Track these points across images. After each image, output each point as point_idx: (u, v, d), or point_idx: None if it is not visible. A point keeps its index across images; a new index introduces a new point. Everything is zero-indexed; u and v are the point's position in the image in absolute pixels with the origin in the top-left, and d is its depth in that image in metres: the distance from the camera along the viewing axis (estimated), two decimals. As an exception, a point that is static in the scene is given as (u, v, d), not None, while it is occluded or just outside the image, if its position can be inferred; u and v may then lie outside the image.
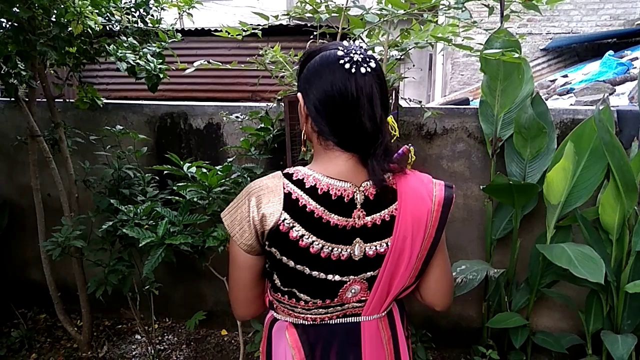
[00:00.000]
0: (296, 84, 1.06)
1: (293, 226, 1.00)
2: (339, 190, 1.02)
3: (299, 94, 1.06)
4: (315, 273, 1.05)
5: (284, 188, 1.01)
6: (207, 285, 3.16)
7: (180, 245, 2.24)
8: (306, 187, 1.01)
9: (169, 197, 2.62)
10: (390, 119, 1.08)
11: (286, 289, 1.10)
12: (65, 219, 2.63)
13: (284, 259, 1.04)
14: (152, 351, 2.92)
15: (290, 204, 1.00)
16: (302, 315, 1.14)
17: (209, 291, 3.19)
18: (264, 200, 1.01)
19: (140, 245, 2.17)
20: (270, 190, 1.02)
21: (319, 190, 1.01)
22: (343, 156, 1.03)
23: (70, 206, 2.77)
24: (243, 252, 1.05)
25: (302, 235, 1.01)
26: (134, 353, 2.98)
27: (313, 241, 1.02)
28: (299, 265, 1.04)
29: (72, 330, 2.91)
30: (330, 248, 1.03)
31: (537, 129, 2.33)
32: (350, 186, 1.03)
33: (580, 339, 2.62)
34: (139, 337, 3.13)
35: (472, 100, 5.68)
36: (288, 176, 1.03)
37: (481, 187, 2.44)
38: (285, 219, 1.00)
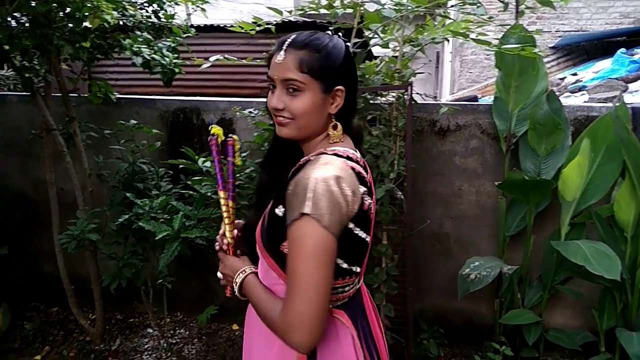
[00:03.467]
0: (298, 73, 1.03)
1: (364, 195, 1.06)
2: (360, 160, 1.13)
3: (341, 87, 1.08)
4: (368, 238, 1.12)
5: (348, 166, 1.05)
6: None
7: (196, 239, 2.26)
8: (353, 159, 1.09)
9: (183, 191, 2.64)
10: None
11: (348, 268, 1.11)
12: (80, 212, 2.65)
13: (358, 231, 1.06)
14: (165, 345, 2.94)
15: (358, 178, 1.06)
16: (347, 293, 1.16)
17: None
18: (346, 182, 1.00)
19: (156, 238, 2.18)
20: (343, 170, 1.03)
21: (359, 161, 1.11)
22: (346, 137, 1.16)
23: (84, 200, 2.79)
24: (335, 242, 0.98)
25: (369, 202, 1.09)
26: (146, 346, 3.00)
27: (370, 202, 1.09)
28: (365, 234, 1.09)
29: (85, 323, 2.93)
30: (371, 205, 1.11)
31: (552, 125, 2.33)
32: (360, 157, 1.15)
33: (593, 336, 2.62)
34: (151, 330, 3.15)
35: (480, 98, 5.66)
36: (340, 156, 1.08)
37: (496, 183, 2.43)
38: (364, 192, 1.06)
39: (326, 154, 1.08)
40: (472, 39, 2.01)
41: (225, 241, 1.23)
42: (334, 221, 0.97)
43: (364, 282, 1.29)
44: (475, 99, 5.49)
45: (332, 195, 0.97)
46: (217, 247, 1.25)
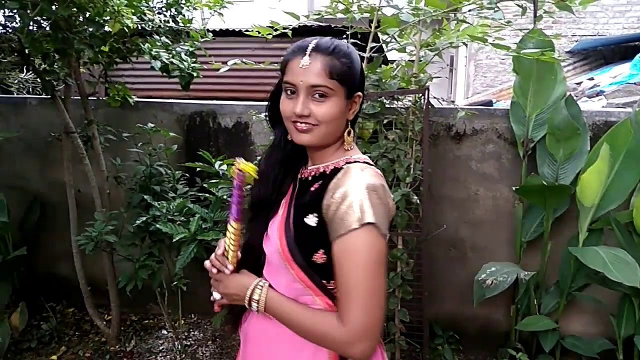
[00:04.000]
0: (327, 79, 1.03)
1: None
2: None
3: (359, 93, 1.11)
4: None
5: (378, 173, 1.09)
6: (232, 282, 3.18)
7: (212, 241, 2.27)
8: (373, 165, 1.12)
9: (199, 194, 2.66)
10: None
11: None
12: (98, 214, 2.67)
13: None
14: (179, 346, 2.95)
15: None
16: None
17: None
18: (386, 188, 1.05)
19: (173, 240, 2.20)
20: (381, 178, 1.07)
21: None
22: (354, 143, 1.17)
23: (102, 202, 2.82)
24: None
25: None
26: (160, 348, 3.01)
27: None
28: None
29: (101, 324, 2.96)
30: None
31: (571, 130, 2.31)
32: None
33: (610, 344, 2.58)
34: (165, 332, 3.17)
35: (495, 103, 5.63)
36: (368, 163, 1.11)
37: (513, 188, 2.42)
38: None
39: (357, 161, 1.09)
40: (490, 43, 2.00)
41: (227, 264, 1.15)
42: (387, 228, 1.01)
43: None
44: (490, 103, 5.45)
45: (383, 203, 1.01)
46: (211, 268, 1.17)
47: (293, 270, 1.08)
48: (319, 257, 1.05)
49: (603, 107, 4.01)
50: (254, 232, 1.20)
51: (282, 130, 1.16)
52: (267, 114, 1.20)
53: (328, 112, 1.04)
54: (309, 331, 1.04)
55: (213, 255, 1.19)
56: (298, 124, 1.05)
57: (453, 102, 2.50)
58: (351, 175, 1.03)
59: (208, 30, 2.93)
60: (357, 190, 0.99)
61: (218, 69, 2.40)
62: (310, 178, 1.13)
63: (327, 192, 1.04)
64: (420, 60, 2.39)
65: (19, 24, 2.29)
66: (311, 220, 1.05)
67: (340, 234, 0.98)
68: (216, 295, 1.19)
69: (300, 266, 1.07)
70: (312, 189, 1.10)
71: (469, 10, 2.28)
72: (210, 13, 2.85)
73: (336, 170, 1.08)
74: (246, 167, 1.10)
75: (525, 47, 2.35)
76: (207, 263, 1.19)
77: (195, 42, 2.77)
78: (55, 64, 2.53)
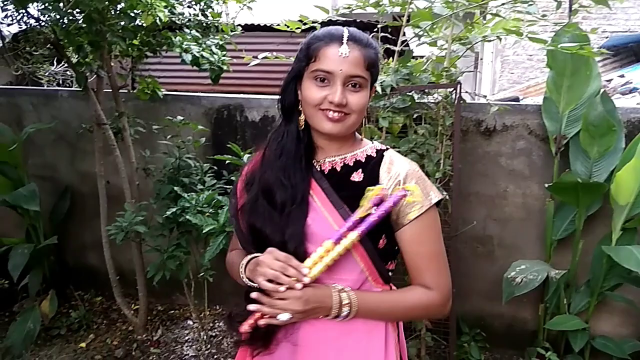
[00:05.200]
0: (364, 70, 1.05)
1: None
2: None
3: (375, 85, 1.15)
4: None
5: None
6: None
7: (240, 234, 2.28)
8: None
9: (225, 186, 2.67)
10: None
11: None
12: (128, 204, 2.71)
13: None
14: (204, 337, 2.98)
15: None
16: None
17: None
18: None
19: (203, 232, 2.22)
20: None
21: None
22: None
23: (131, 193, 2.86)
24: None
25: None
26: (186, 338, 3.05)
27: None
28: None
29: (128, 313, 3.01)
30: None
31: (606, 127, 2.26)
32: None
33: (642, 346, 2.53)
34: (191, 322, 3.21)
35: (522, 99, 5.54)
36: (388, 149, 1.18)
37: (545, 185, 2.37)
38: None
39: (388, 148, 1.17)
40: (527, 36, 1.96)
41: (303, 276, 1.01)
42: None
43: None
44: (516, 100, 5.37)
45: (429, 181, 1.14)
46: (275, 288, 1.00)
47: (363, 261, 1.08)
48: (382, 242, 1.10)
49: (638, 104, 3.92)
50: (293, 237, 1.06)
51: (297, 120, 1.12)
52: (282, 102, 1.13)
53: (361, 101, 1.05)
54: (408, 311, 1.13)
55: (271, 260, 1.02)
56: (331, 112, 1.04)
57: (485, 96, 2.46)
58: (400, 162, 1.12)
59: (239, 25, 2.95)
60: (415, 174, 1.10)
61: (247, 64, 2.41)
62: (339, 169, 1.12)
63: (382, 180, 1.09)
64: (452, 55, 2.36)
65: (53, 16, 2.33)
66: (372, 209, 1.04)
67: (416, 216, 1.07)
68: (283, 317, 1.01)
69: (370, 255, 1.08)
70: (354, 179, 1.10)
71: (503, 4, 2.25)
72: (240, 7, 2.85)
73: (371, 158, 1.12)
74: (411, 188, 1.07)
75: (560, 41, 2.30)
76: (267, 284, 1.00)
77: (225, 35, 2.78)
78: (88, 56, 2.56)
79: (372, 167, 1.11)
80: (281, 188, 1.09)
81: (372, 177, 1.10)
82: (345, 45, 1.02)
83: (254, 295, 1.03)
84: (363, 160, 1.12)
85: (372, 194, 1.05)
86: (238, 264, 1.12)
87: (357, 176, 1.11)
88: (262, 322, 1.02)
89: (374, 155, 1.13)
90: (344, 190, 1.10)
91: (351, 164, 1.12)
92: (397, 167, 1.10)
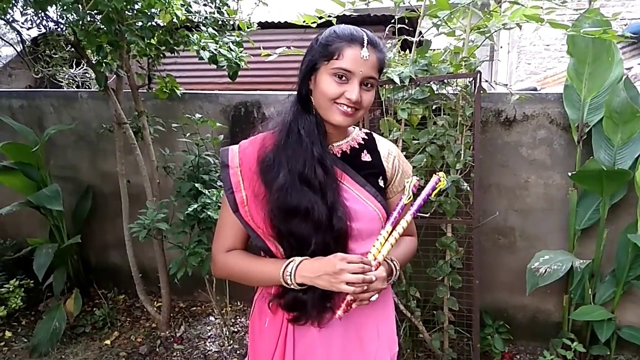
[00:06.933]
0: (377, 73, 1.16)
1: None
2: None
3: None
4: None
5: None
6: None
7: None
8: None
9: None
10: None
11: None
12: (150, 202, 2.74)
13: None
14: (227, 333, 3.01)
15: None
16: None
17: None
18: None
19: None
20: None
21: None
22: None
23: (152, 191, 2.88)
24: None
25: None
26: (209, 334, 3.08)
27: None
28: None
29: (152, 310, 3.04)
30: None
31: (630, 113, 2.22)
32: None
33: (671, 336, 2.49)
34: (213, 318, 3.24)
35: (539, 90, 5.47)
36: None
37: (569, 174, 2.34)
38: None
39: (370, 131, 1.34)
40: (548, 21, 1.93)
41: (375, 262, 1.13)
42: None
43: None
44: (534, 90, 5.31)
45: None
46: (360, 279, 1.08)
47: (384, 223, 1.21)
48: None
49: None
50: (341, 216, 1.15)
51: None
52: (299, 93, 1.19)
53: (370, 99, 1.16)
54: (411, 256, 1.36)
55: (351, 266, 1.08)
56: (345, 107, 1.13)
57: (506, 85, 2.43)
58: (385, 141, 1.33)
59: (257, 24, 2.96)
60: (398, 150, 1.34)
61: (262, 62, 2.41)
62: (348, 152, 1.25)
63: (383, 157, 1.28)
64: (470, 45, 2.34)
65: (73, 18, 2.36)
66: (381, 182, 1.26)
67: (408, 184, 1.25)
68: (374, 297, 1.14)
69: (388, 217, 1.21)
70: (364, 159, 1.26)
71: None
72: (255, 3, 2.86)
73: (367, 140, 1.29)
74: (442, 175, 1.21)
75: (582, 27, 2.26)
76: (351, 277, 1.07)
77: (242, 32, 2.79)
78: (108, 56, 2.59)
79: (371, 147, 1.28)
80: (316, 171, 1.15)
81: (376, 156, 1.28)
82: (366, 48, 1.12)
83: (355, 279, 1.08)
84: (363, 143, 1.28)
85: (410, 184, 1.19)
86: (253, 267, 1.20)
87: (366, 156, 1.27)
88: (354, 305, 1.14)
89: (367, 137, 1.30)
90: (362, 169, 1.24)
91: (356, 146, 1.27)
92: (387, 146, 1.31)
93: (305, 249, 1.14)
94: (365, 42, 1.12)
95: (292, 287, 1.13)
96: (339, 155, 1.24)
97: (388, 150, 1.30)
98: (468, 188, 2.35)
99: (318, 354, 1.22)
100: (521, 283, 2.43)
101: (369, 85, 1.14)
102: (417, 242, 1.40)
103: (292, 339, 1.22)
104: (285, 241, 1.16)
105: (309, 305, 1.16)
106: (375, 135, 1.33)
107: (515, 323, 2.85)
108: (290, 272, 1.12)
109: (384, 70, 1.25)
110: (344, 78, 1.11)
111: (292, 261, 1.13)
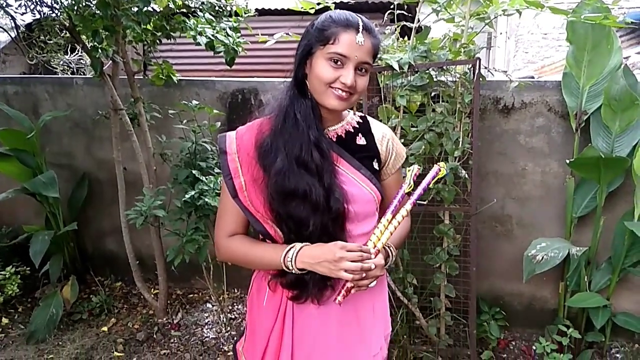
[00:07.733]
0: (372, 58, 1.17)
1: None
2: None
3: None
4: None
5: None
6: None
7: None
8: None
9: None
10: None
11: None
12: (146, 189, 2.73)
13: None
14: (224, 319, 3.01)
15: None
16: None
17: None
18: None
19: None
20: None
21: None
22: None
23: (149, 178, 2.87)
24: None
25: None
26: (206, 320, 3.09)
27: None
28: None
29: (149, 297, 3.04)
30: None
31: (628, 100, 2.22)
32: None
33: (665, 323, 2.51)
34: (210, 305, 3.24)
35: (537, 79, 5.46)
36: None
37: (567, 161, 2.34)
38: None
39: (364, 115, 1.35)
40: (548, 7, 1.92)
41: (373, 250, 1.15)
42: None
43: None
44: (531, 79, 5.30)
45: None
46: (358, 268, 1.10)
47: (379, 204, 1.28)
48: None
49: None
50: (338, 199, 1.16)
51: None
52: (295, 77, 1.19)
53: (364, 84, 1.17)
54: (406, 236, 1.40)
55: (350, 254, 1.10)
56: (340, 91, 1.13)
57: (505, 72, 2.42)
58: (379, 124, 1.34)
59: (254, 10, 2.93)
60: (392, 133, 1.35)
61: (259, 48, 2.38)
62: (344, 136, 1.26)
63: (377, 140, 1.29)
64: (470, 31, 2.32)
65: (68, 2, 2.33)
66: (375, 164, 1.28)
67: (402, 164, 1.34)
68: (373, 284, 1.17)
69: (382, 199, 1.28)
70: (359, 142, 1.27)
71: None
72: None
73: (361, 124, 1.30)
74: (442, 165, 1.25)
75: (582, 13, 2.25)
76: (351, 265, 1.09)
77: (239, 18, 2.76)
78: (104, 41, 2.56)
79: (366, 131, 1.29)
80: (312, 155, 1.15)
81: (371, 140, 1.29)
82: (361, 34, 1.12)
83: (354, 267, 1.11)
84: (357, 127, 1.29)
85: (412, 173, 1.21)
86: (254, 252, 1.22)
87: (360, 140, 1.28)
88: (353, 290, 1.16)
89: (361, 121, 1.31)
90: (357, 153, 1.25)
91: (351, 130, 1.28)
92: (381, 129, 1.32)
93: (304, 231, 1.15)
94: (361, 27, 1.12)
95: (292, 271, 1.15)
96: (334, 140, 1.25)
97: (382, 133, 1.31)
98: (466, 175, 2.35)
99: (316, 329, 1.25)
100: (518, 270, 2.44)
101: (364, 71, 1.15)
102: (410, 222, 1.41)
103: (291, 315, 1.24)
104: (284, 224, 1.17)
105: (310, 284, 1.18)
106: (369, 118, 1.34)
107: (512, 310, 2.87)
108: (291, 258, 1.14)
109: (380, 57, 1.23)
110: (339, 63, 1.12)
111: (292, 247, 1.15)
